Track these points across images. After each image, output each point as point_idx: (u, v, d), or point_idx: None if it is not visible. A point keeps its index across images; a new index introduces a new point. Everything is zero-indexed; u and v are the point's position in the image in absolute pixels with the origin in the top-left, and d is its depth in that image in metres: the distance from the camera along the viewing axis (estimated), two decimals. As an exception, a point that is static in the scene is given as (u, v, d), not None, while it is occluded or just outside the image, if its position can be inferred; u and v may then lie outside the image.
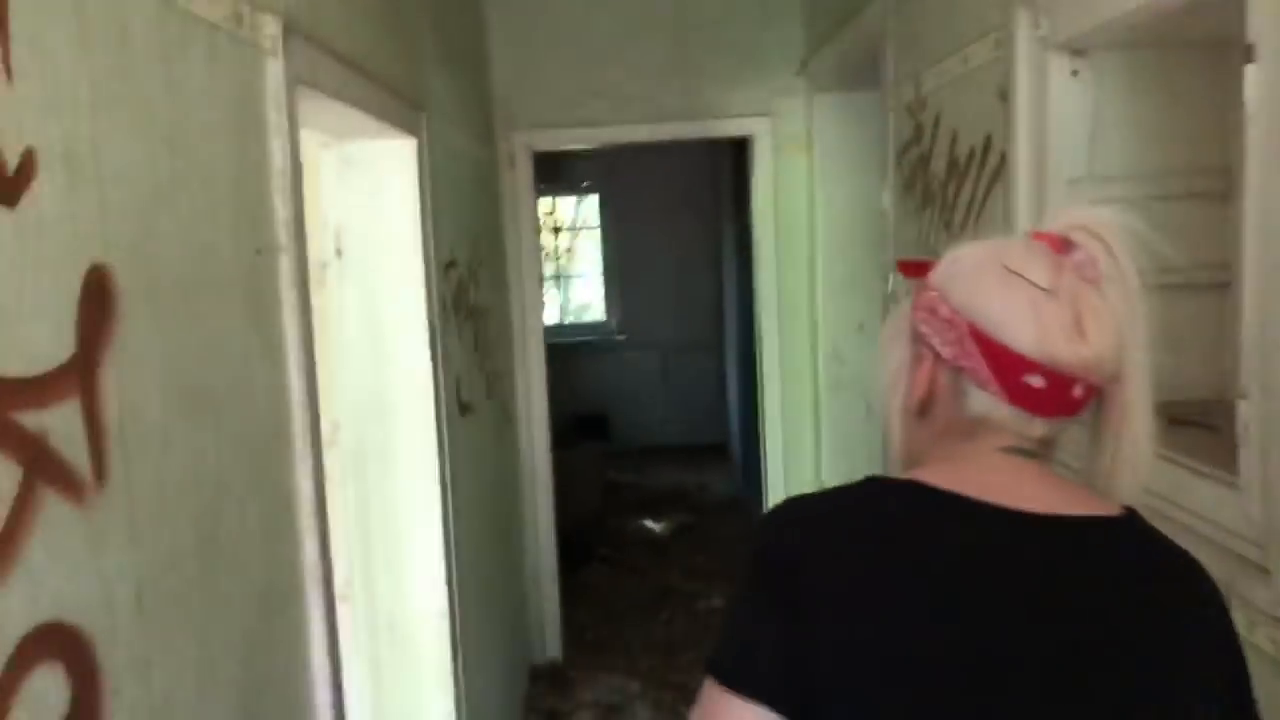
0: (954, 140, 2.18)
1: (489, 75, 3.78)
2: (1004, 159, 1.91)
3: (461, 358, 2.90)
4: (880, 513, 0.80)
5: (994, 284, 0.81)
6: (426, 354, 2.49)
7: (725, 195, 6.63)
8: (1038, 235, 0.84)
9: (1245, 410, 1.20)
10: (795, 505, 0.86)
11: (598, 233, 8.16)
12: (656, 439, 7.62)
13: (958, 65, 2.13)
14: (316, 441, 1.59)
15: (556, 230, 8.25)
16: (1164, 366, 1.70)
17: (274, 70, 1.50)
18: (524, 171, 3.85)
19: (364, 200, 2.47)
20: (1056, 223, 0.85)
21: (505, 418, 3.66)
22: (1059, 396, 0.80)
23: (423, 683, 2.57)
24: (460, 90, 3.18)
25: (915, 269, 0.91)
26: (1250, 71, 1.16)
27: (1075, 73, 1.71)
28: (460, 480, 2.77)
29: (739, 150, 5.59)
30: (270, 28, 1.49)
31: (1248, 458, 1.20)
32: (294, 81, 1.57)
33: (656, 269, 7.72)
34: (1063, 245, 0.82)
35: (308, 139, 2.37)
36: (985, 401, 0.82)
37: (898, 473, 0.87)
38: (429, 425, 2.51)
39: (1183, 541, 1.33)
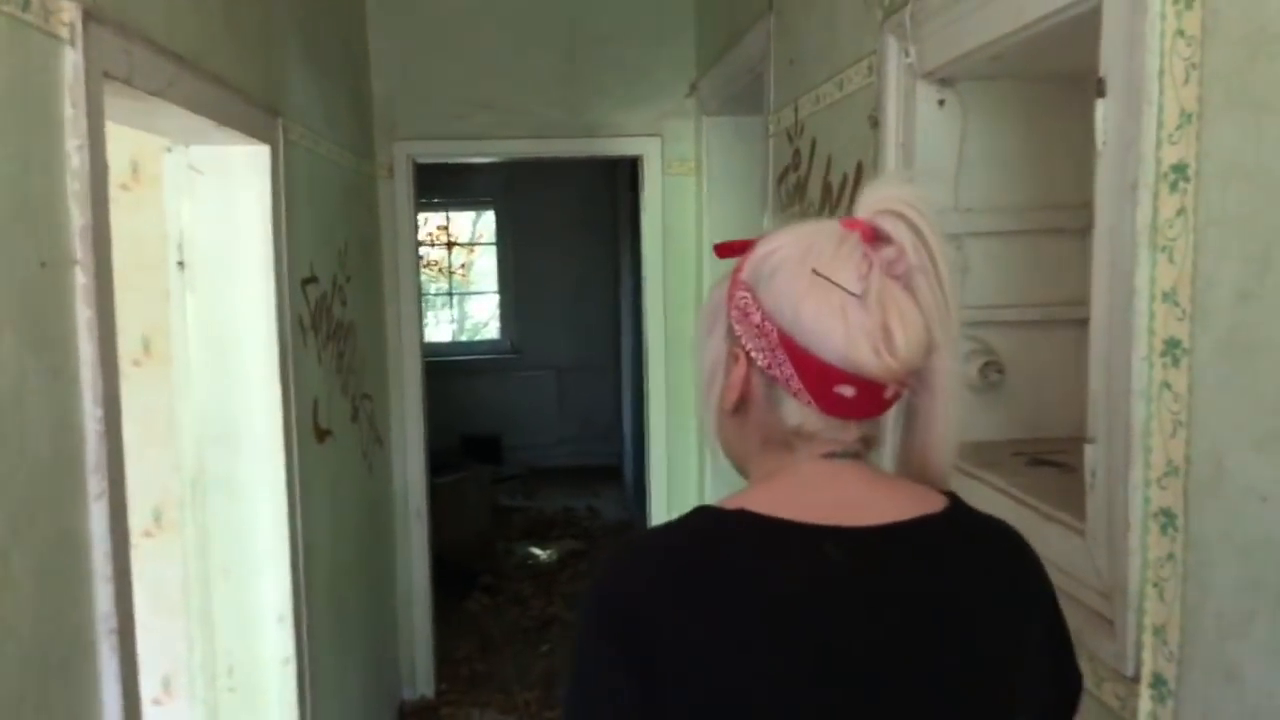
0: (829, 167, 2.14)
1: (369, 82, 3.62)
2: (873, 188, 1.86)
3: (321, 380, 2.73)
4: (716, 552, 0.76)
5: (804, 290, 0.77)
6: (276, 376, 2.33)
7: (622, 215, 6.56)
8: (848, 223, 0.79)
9: (1092, 455, 1.16)
10: (631, 551, 0.83)
11: (494, 249, 8.00)
12: (550, 461, 7.48)
13: (834, 91, 2.09)
14: (117, 477, 1.43)
15: (451, 245, 8.06)
16: (1026, 404, 1.66)
17: (71, 61, 1.35)
18: (404, 183, 3.70)
19: (212, 210, 2.29)
20: (867, 204, 0.80)
21: (375, 442, 3.48)
22: (870, 401, 0.78)
23: (266, 731, 2.39)
24: (332, 96, 3.03)
25: (730, 250, 0.86)
26: (1101, 106, 1.12)
27: (941, 102, 1.68)
28: (315, 512, 2.60)
29: (635, 170, 5.55)
30: (67, 14, 1.33)
31: (1094, 505, 1.16)
32: (98, 75, 1.41)
33: (554, 287, 7.60)
34: (872, 235, 0.78)
35: (148, 141, 2.20)
36: (799, 411, 0.79)
37: (732, 463, 0.89)
38: (277, 453, 2.34)
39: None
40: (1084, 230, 1.71)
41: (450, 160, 3.97)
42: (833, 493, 0.79)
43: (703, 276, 3.68)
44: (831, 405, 0.78)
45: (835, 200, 2.09)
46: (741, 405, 0.83)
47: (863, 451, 0.82)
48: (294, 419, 2.41)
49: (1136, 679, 1.07)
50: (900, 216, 0.77)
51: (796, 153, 2.39)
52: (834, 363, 0.76)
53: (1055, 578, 1.25)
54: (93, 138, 1.39)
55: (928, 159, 1.68)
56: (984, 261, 1.70)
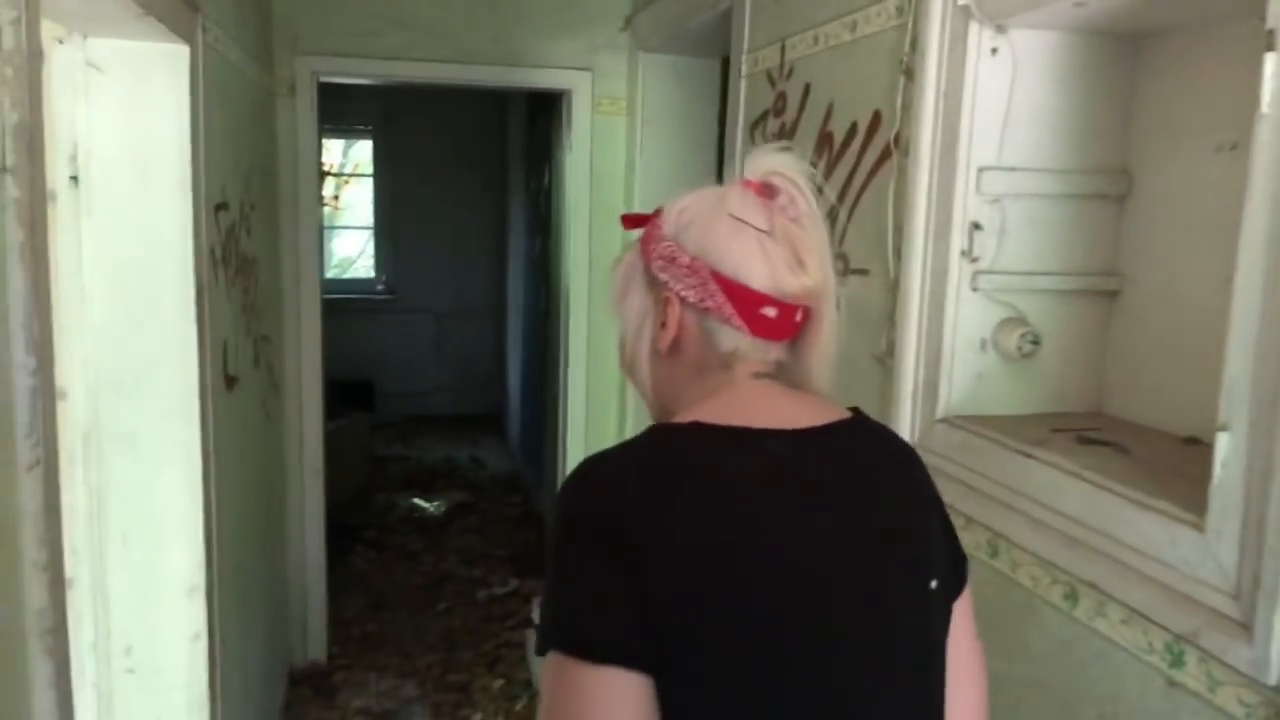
0: (829, 113, 2.00)
1: (268, -15, 3.22)
2: (898, 138, 1.73)
3: (231, 320, 2.41)
4: (682, 455, 0.85)
5: (726, 231, 0.91)
6: (192, 315, 2.01)
7: (515, 152, 6.25)
8: (743, 183, 0.94)
9: (1226, 445, 1.07)
10: (600, 463, 0.87)
11: (369, 181, 7.51)
12: (427, 409, 7.16)
13: (842, 32, 1.94)
14: (50, 444, 1.15)
15: (324, 175, 7.50)
16: (1053, 378, 1.58)
17: (1, -94, 1.04)
18: (307, 103, 3.33)
19: (115, 116, 1.94)
20: (754, 170, 0.94)
21: (273, 388, 3.15)
22: (786, 323, 0.93)
23: (169, 718, 2.10)
24: (237, -4, 2.64)
25: (637, 221, 1.00)
26: (1270, 60, 1.01)
27: (994, 51, 1.55)
28: (225, 468, 2.30)
29: (536, 105, 5.25)
30: None
31: (1224, 499, 1.08)
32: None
33: (433, 226, 7.21)
34: (766, 190, 0.93)
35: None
36: (732, 336, 0.92)
37: (659, 403, 0.99)
38: (190, 403, 2.03)
39: (1124, 580, 1.20)
40: (1122, 197, 1.64)
41: (360, 81, 3.61)
42: (764, 404, 0.92)
43: (632, 224, 3.49)
44: (759, 327, 0.91)
45: (838, 150, 1.95)
46: (675, 346, 0.95)
47: (778, 374, 0.96)
48: (208, 364, 2.11)
49: (1280, 687, 1.00)
50: (783, 176, 0.93)
51: (781, 97, 2.23)
52: (760, 288, 0.90)
53: (1150, 569, 1.18)
54: (28, 10, 1.08)
55: (975, 111, 1.56)
56: (1023, 225, 1.60)
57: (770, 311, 0.91)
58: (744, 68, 2.45)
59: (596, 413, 3.71)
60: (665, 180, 3.44)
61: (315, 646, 3.60)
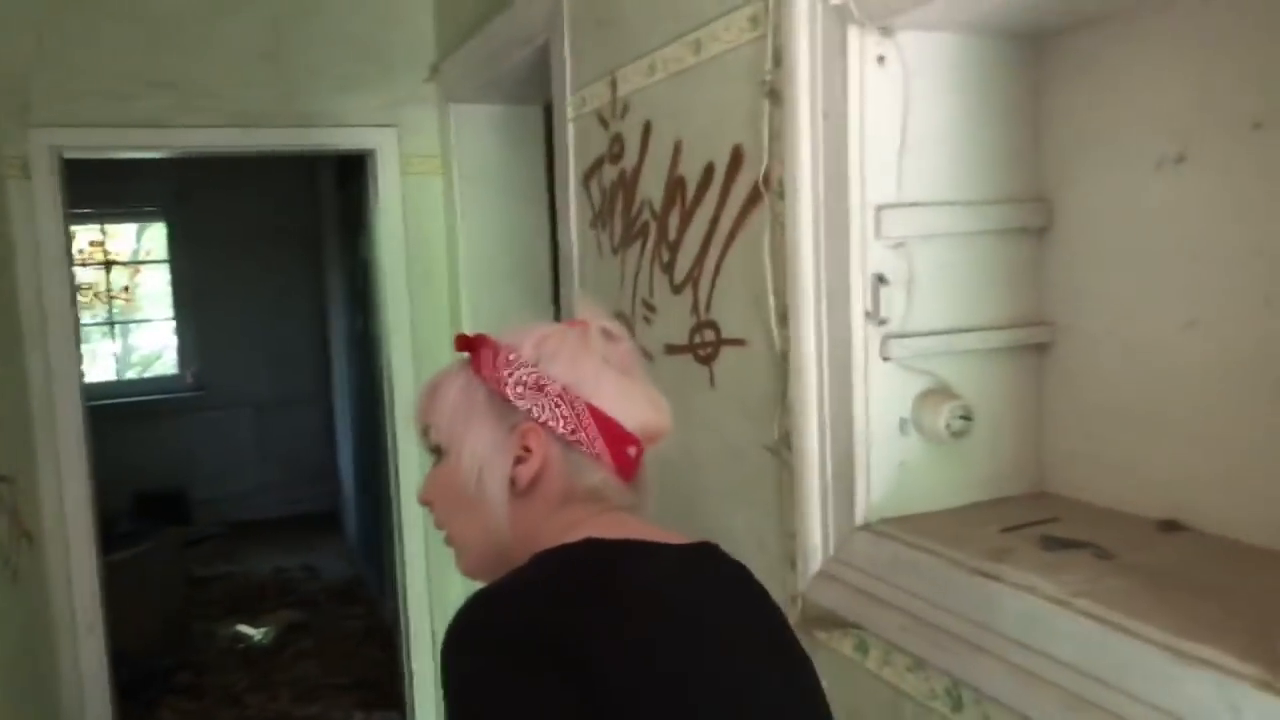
0: (678, 154, 1.66)
1: (-15, 44, 2.65)
2: (768, 177, 1.40)
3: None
4: (597, 568, 0.81)
5: (598, 368, 0.91)
6: None
7: (329, 221, 5.72)
8: (594, 326, 0.93)
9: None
10: (502, 591, 0.80)
11: (165, 268, 6.75)
12: (252, 513, 6.41)
13: (684, 54, 1.61)
14: None
15: (110, 264, 6.71)
16: (984, 457, 1.26)
17: None
18: (46, 185, 2.75)
19: None
20: (591, 316, 0.94)
21: (22, 540, 2.53)
22: (637, 463, 0.92)
23: None
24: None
25: (473, 342, 0.94)
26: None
27: (881, 59, 1.24)
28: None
29: (347, 170, 4.76)
30: None
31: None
32: None
33: (244, 310, 6.53)
34: (611, 336, 0.94)
35: None
36: (598, 474, 0.90)
37: (498, 552, 0.91)
38: None
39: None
40: (1042, 230, 1.35)
41: (113, 155, 3.04)
42: (638, 527, 0.89)
43: (459, 292, 3.06)
44: (623, 465, 0.90)
45: (693, 197, 1.60)
46: (534, 479, 0.89)
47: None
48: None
49: None
50: (615, 324, 0.95)
51: (618, 140, 1.88)
52: (630, 427, 0.90)
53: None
54: None
55: (864, 136, 1.24)
56: (935, 272, 1.29)
57: (632, 450, 0.90)
58: (569, 110, 2.09)
59: (437, 514, 3.23)
60: (494, 244, 3.04)
61: (109, 843, 2.92)
